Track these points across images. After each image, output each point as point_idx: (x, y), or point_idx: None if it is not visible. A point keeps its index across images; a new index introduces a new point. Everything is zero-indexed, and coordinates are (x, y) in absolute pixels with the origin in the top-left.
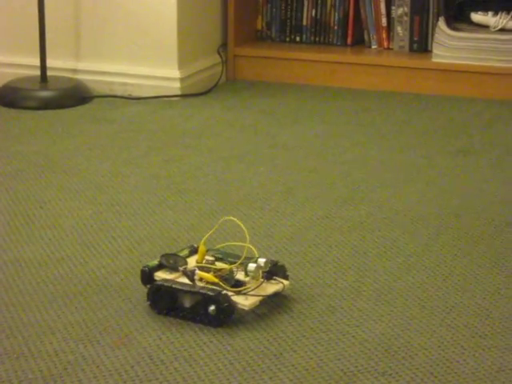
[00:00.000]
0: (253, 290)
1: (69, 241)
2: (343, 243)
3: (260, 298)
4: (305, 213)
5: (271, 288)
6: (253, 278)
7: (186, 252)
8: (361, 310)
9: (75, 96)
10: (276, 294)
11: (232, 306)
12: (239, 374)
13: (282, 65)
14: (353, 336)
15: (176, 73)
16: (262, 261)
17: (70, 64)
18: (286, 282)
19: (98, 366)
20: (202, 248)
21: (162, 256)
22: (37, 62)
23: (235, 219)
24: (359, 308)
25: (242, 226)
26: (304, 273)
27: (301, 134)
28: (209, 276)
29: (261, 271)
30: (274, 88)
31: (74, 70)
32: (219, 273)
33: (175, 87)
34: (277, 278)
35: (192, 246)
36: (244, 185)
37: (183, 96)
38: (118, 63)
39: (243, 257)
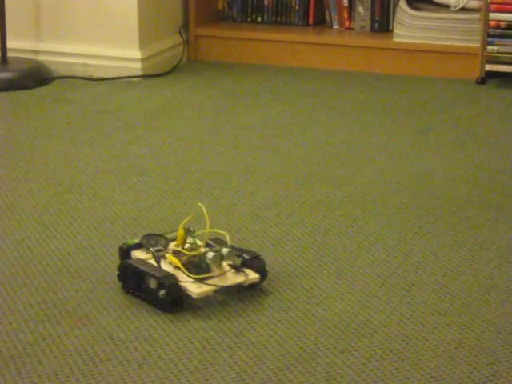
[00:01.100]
0: (210, 278)
1: (28, 222)
2: (304, 222)
3: (213, 287)
4: (265, 192)
5: (233, 279)
6: (217, 266)
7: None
8: (321, 288)
9: (36, 77)
10: (238, 286)
11: (179, 293)
12: (199, 353)
13: (244, 45)
14: (312, 314)
15: (137, 53)
16: (225, 250)
17: (30, 45)
18: (253, 276)
19: (57, 346)
20: (180, 232)
21: (146, 235)
22: None
23: (202, 206)
24: (319, 286)
25: (205, 213)
26: (264, 251)
27: (262, 114)
28: (175, 260)
29: (225, 261)
30: (235, 68)
31: (35, 51)
32: (192, 258)
33: (136, 68)
34: (247, 270)
35: (188, 228)
36: (205, 165)
37: (144, 77)
38: (78, 44)
39: (227, 243)
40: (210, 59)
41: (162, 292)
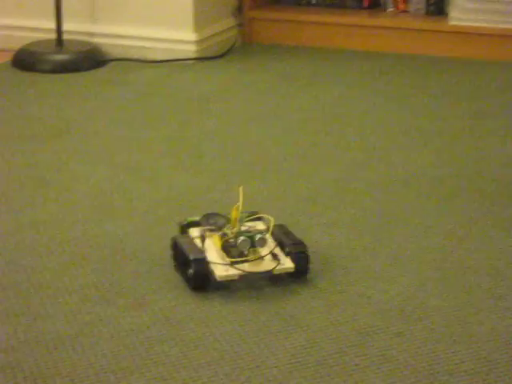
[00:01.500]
0: (242, 263)
1: (85, 203)
2: (358, 205)
3: (238, 272)
4: (320, 175)
5: (263, 266)
6: (252, 251)
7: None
8: (376, 272)
9: (91, 59)
10: (266, 273)
11: (205, 273)
12: (254, 335)
13: (298, 28)
14: (368, 297)
15: (192, 36)
16: (257, 236)
17: (85, 27)
18: (287, 265)
19: (114, 327)
20: (233, 213)
21: (207, 214)
22: (53, 25)
23: (240, 190)
24: (374, 269)
25: (241, 198)
26: (319, 234)
27: (316, 97)
28: (216, 241)
29: (263, 247)
30: (289, 51)
31: (90, 34)
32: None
33: (191, 50)
34: (285, 258)
35: (254, 212)
36: (259, 147)
37: (199, 59)
38: (133, 26)
39: (271, 226)
40: (263, 42)
41: (190, 271)
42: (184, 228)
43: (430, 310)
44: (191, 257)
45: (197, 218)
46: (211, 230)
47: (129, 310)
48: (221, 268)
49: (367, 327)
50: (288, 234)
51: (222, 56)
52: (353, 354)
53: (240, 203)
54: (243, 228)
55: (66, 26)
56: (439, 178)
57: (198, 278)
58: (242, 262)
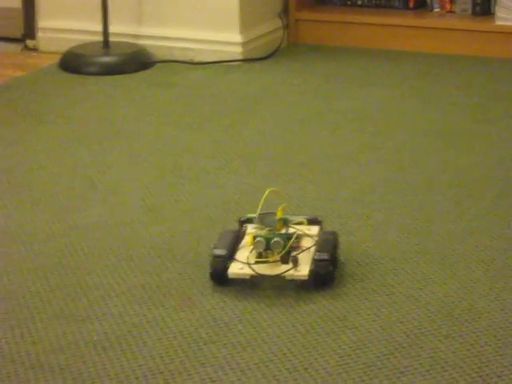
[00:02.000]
0: (260, 263)
1: (132, 205)
2: (406, 206)
3: (249, 272)
4: (367, 176)
5: (274, 270)
6: (277, 253)
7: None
8: (424, 273)
9: (137, 61)
10: (277, 277)
11: (221, 270)
12: (302, 336)
13: (344, 29)
14: (416, 299)
15: (238, 37)
16: (275, 239)
17: (132, 29)
18: (300, 272)
19: (162, 328)
20: (278, 214)
21: (265, 213)
22: (99, 27)
23: (267, 192)
24: (422, 271)
25: (262, 199)
26: (367, 236)
27: (362, 98)
28: (250, 240)
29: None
30: (335, 52)
31: (136, 36)
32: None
33: (237, 52)
34: (302, 264)
35: (314, 217)
36: (306, 149)
37: (245, 61)
38: (179, 28)
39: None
40: (309, 43)
41: (211, 266)
42: (242, 223)
43: (479, 312)
44: (213, 252)
45: (254, 215)
46: (260, 229)
47: (177, 311)
48: (235, 266)
49: (416, 329)
50: (328, 240)
51: (267, 57)
52: (401, 356)
53: (260, 206)
54: (291, 230)
55: (112, 29)
56: (487, 178)
57: (215, 273)
58: (257, 262)
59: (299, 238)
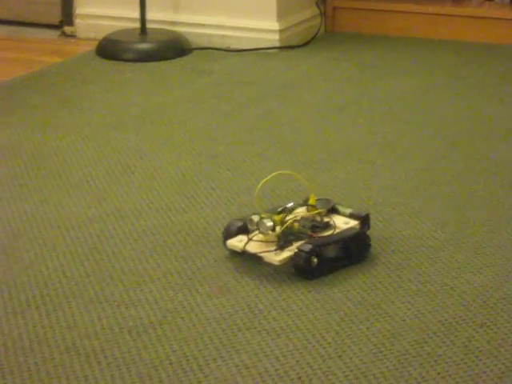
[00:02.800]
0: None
1: (168, 191)
2: (442, 195)
3: (240, 247)
4: (403, 165)
5: (257, 249)
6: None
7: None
8: (460, 262)
9: (174, 48)
10: (254, 255)
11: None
12: (337, 324)
13: (382, 17)
14: (451, 288)
15: (275, 25)
16: (266, 220)
17: (169, 16)
18: (273, 257)
19: (196, 315)
20: (311, 200)
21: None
22: (137, 14)
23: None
24: (458, 260)
25: (260, 185)
26: (403, 224)
27: (400, 87)
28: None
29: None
30: (372, 40)
31: (173, 23)
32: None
33: (274, 39)
34: (288, 250)
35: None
36: (342, 136)
37: (282, 48)
38: (216, 15)
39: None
40: (346, 31)
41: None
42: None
43: None
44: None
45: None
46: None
47: (211, 297)
48: (237, 239)
49: (450, 318)
50: (334, 236)
51: (304, 45)
52: (435, 345)
53: (260, 185)
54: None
55: (149, 15)
56: None
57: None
58: (250, 240)
59: (322, 227)
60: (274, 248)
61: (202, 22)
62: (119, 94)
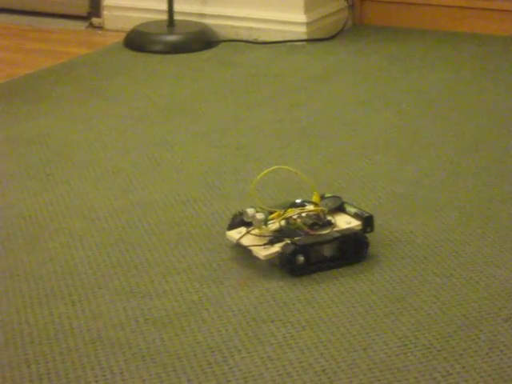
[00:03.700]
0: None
1: (194, 183)
2: (468, 188)
3: (236, 238)
4: (430, 158)
5: (250, 242)
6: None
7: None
8: (485, 256)
9: (201, 40)
10: (245, 247)
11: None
12: (361, 317)
13: (409, 10)
14: (476, 282)
15: (302, 17)
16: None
17: (196, 8)
18: (260, 251)
19: (221, 307)
20: (314, 198)
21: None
22: (164, 6)
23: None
24: (483, 253)
25: (257, 178)
26: (428, 218)
27: (427, 80)
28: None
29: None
30: (400, 33)
31: (201, 15)
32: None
33: (301, 32)
34: (276, 245)
35: (362, 212)
36: (368, 129)
37: (309, 41)
38: (244, 8)
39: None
40: (374, 24)
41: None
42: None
43: None
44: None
45: (328, 195)
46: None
47: (236, 289)
48: (236, 230)
49: (475, 312)
50: (325, 236)
51: (332, 38)
52: (460, 339)
53: (259, 177)
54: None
55: (177, 7)
56: None
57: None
58: (248, 232)
59: (322, 225)
60: (264, 242)
61: (230, 14)
62: (146, 85)
